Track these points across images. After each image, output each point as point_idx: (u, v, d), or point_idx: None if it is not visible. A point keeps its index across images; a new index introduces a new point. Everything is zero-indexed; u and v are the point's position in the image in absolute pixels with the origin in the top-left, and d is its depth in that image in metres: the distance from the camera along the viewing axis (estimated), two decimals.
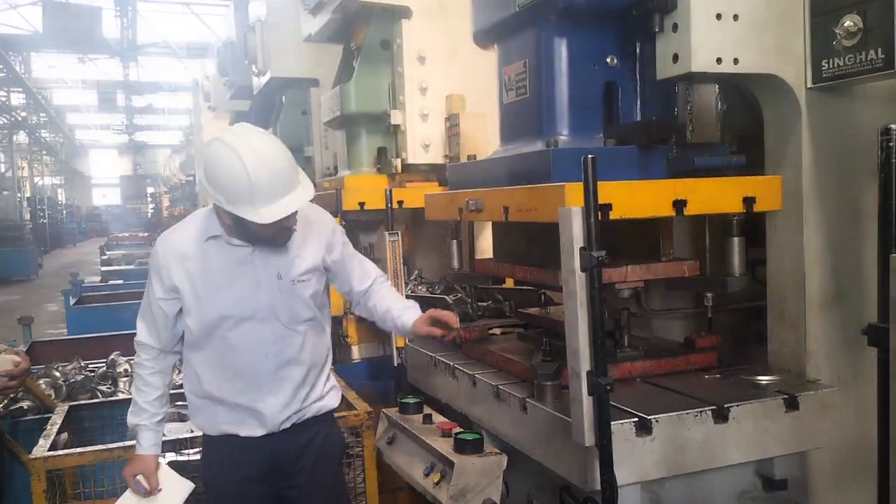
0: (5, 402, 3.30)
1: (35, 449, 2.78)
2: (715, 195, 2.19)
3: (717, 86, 2.23)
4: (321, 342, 2.47)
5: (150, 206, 35.39)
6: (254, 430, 2.37)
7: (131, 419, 2.45)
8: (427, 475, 2.39)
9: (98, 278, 11.56)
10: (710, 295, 2.42)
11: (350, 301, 2.64)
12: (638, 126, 2.36)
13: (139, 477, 2.40)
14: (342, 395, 2.73)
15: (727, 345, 2.57)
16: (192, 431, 2.96)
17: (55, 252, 27.71)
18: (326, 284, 2.51)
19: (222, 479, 2.43)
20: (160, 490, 2.42)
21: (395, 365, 3.24)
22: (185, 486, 2.46)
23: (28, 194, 28.44)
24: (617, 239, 2.20)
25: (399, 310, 2.51)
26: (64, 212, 35.22)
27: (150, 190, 38.02)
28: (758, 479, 2.24)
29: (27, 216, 25.15)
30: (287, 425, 2.39)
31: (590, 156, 1.79)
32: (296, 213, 2.24)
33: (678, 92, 2.22)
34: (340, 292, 2.63)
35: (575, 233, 1.81)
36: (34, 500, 2.70)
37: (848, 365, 2.29)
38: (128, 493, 2.43)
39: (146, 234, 24.33)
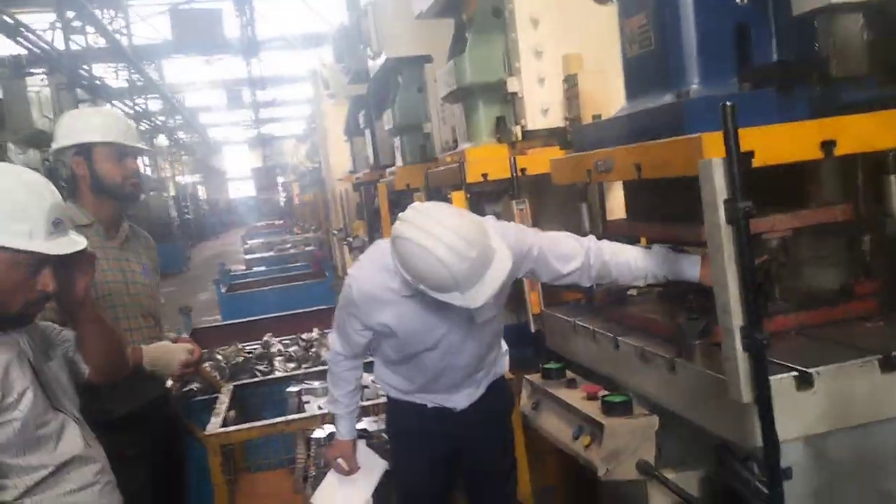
0: (178, 385, 3.58)
1: (209, 426, 3.03)
2: (867, 132, 2.03)
3: (862, 14, 2.07)
4: (499, 334, 2.67)
5: (282, 194, 36.99)
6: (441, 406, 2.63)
7: (328, 407, 2.76)
8: (576, 438, 2.40)
9: (243, 266, 12.26)
10: (866, 238, 2.27)
11: (571, 278, 2.49)
12: (775, 66, 2.23)
13: (340, 460, 2.71)
14: None
15: (888, 290, 2.41)
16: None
17: (200, 245, 29.61)
18: None
19: (405, 430, 2.70)
20: (358, 469, 2.72)
21: (534, 332, 3.25)
22: (381, 465, 2.75)
23: (173, 193, 30.45)
24: (760, 187, 2.10)
25: (661, 258, 2.38)
26: (205, 207, 37.49)
27: (280, 179, 39.72)
28: None
29: (174, 213, 26.98)
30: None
31: (728, 103, 1.71)
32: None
33: (818, 26, 2.08)
34: (557, 277, 2.51)
35: (718, 185, 1.75)
36: (212, 473, 2.94)
37: None
38: (330, 474, 2.76)
39: (281, 221, 25.54)
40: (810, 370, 1.91)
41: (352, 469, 2.71)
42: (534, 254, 2.44)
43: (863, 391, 1.93)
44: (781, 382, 1.89)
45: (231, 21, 18.29)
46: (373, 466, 2.74)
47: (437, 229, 2.10)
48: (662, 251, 2.41)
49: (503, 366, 2.75)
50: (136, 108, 21.29)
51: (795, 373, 1.91)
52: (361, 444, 2.78)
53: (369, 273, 2.43)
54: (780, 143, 2.00)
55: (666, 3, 2.31)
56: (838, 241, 2.55)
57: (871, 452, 2.07)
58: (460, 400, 2.62)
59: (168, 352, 2.71)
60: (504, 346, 2.75)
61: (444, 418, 2.63)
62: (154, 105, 25.37)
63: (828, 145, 2.01)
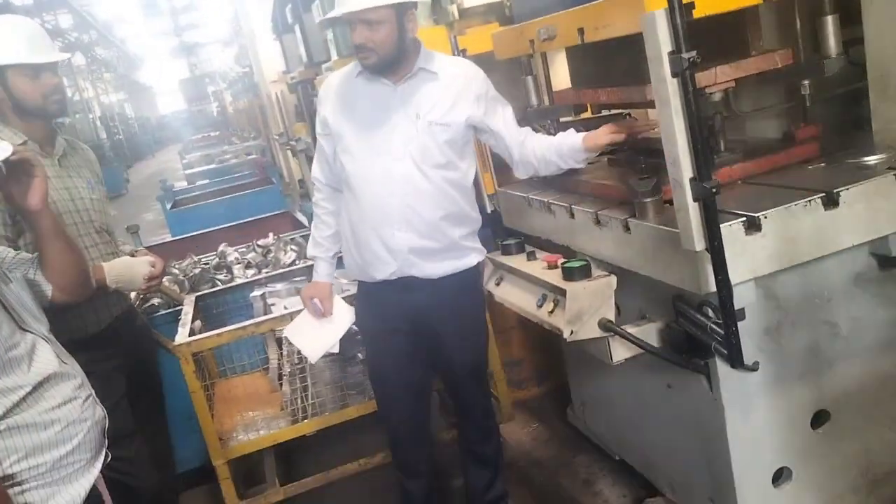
0: (138, 301, 3.56)
1: (177, 336, 3.04)
2: None
3: None
4: (457, 196, 2.57)
5: (215, 104, 35.76)
6: (387, 266, 2.56)
7: (310, 251, 2.84)
8: (540, 306, 2.48)
9: (185, 182, 11.97)
10: (806, 83, 2.31)
11: (510, 157, 2.66)
12: None
13: (315, 299, 2.79)
14: None
15: (827, 135, 2.48)
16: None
17: (136, 166, 28.70)
18: (470, 140, 2.60)
19: (367, 317, 2.75)
20: (332, 314, 2.81)
21: (490, 212, 3.28)
22: (351, 314, 2.83)
23: (98, 113, 29.18)
24: (700, 40, 2.11)
25: (561, 140, 2.54)
26: (136, 125, 36.09)
27: (210, 89, 38.26)
28: (872, 260, 2.22)
29: (103, 135, 25.94)
30: (418, 271, 2.56)
31: None
32: (366, 27, 2.37)
33: None
34: (498, 150, 2.69)
35: (661, 37, 1.75)
36: (188, 381, 2.98)
37: None
38: (304, 313, 2.85)
39: (217, 133, 24.78)
40: (757, 214, 1.99)
41: (326, 310, 2.80)
42: (499, 105, 2.59)
43: (808, 229, 2.03)
44: (731, 229, 1.97)
45: None
46: (344, 314, 2.83)
47: None
48: (563, 134, 2.55)
49: (471, 259, 2.65)
50: (46, 25, 20.01)
51: (744, 218, 1.99)
52: (337, 295, 2.87)
53: (341, 69, 2.65)
54: None
55: None
56: (779, 89, 2.60)
57: (817, 287, 2.20)
58: (403, 239, 2.50)
59: (130, 267, 2.67)
60: (478, 244, 2.68)
61: (402, 298, 2.60)
62: (65, 21, 23.86)
63: None
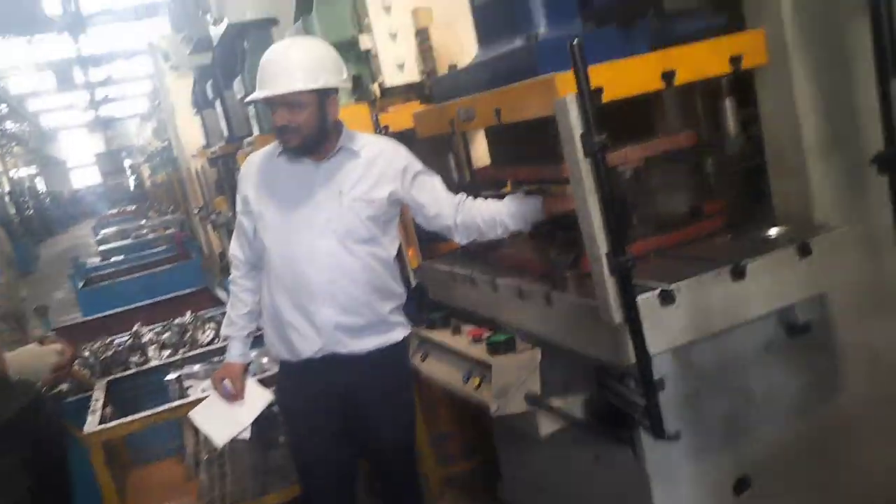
0: (44, 388, 3.37)
1: (87, 425, 2.89)
2: (702, 60, 2.19)
3: None
4: (381, 271, 2.57)
5: (132, 178, 35.02)
6: (312, 344, 2.52)
7: (224, 330, 2.75)
8: (466, 381, 2.48)
9: (98, 259, 11.57)
10: (709, 161, 2.45)
11: (442, 227, 2.63)
12: (614, 4, 2.33)
13: (226, 381, 2.68)
14: None
15: (732, 208, 2.61)
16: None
17: (48, 241, 27.60)
18: (393, 217, 2.62)
19: (289, 397, 2.67)
20: (243, 396, 2.70)
21: (413, 285, 3.29)
22: (265, 397, 2.73)
23: (7, 188, 28.11)
24: (610, 123, 2.21)
25: (510, 203, 2.52)
26: (47, 200, 34.88)
27: (127, 162, 37.50)
28: (781, 328, 2.32)
29: (12, 210, 24.95)
30: (343, 348, 2.53)
31: (576, 40, 1.79)
32: (287, 110, 2.40)
33: None
34: (428, 220, 2.64)
35: (573, 121, 1.82)
36: (97, 472, 2.82)
37: (852, 205, 2.33)
38: (213, 396, 2.73)
39: (133, 207, 24.18)
40: (671, 286, 2.06)
41: (237, 393, 2.68)
42: (426, 177, 2.61)
43: (719, 300, 2.11)
44: (647, 301, 2.03)
45: None
46: (257, 397, 2.73)
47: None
48: (513, 197, 2.57)
49: (396, 334, 2.65)
50: None
51: (658, 290, 2.06)
52: (250, 376, 2.78)
53: (263, 149, 2.66)
54: (625, 76, 2.11)
55: None
56: (685, 167, 2.74)
57: (731, 356, 2.28)
58: (328, 315, 2.49)
59: (36, 357, 2.54)
60: (402, 319, 2.68)
61: (327, 375, 2.56)
62: None
63: (668, 76, 2.14)
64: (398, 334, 2.65)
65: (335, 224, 2.49)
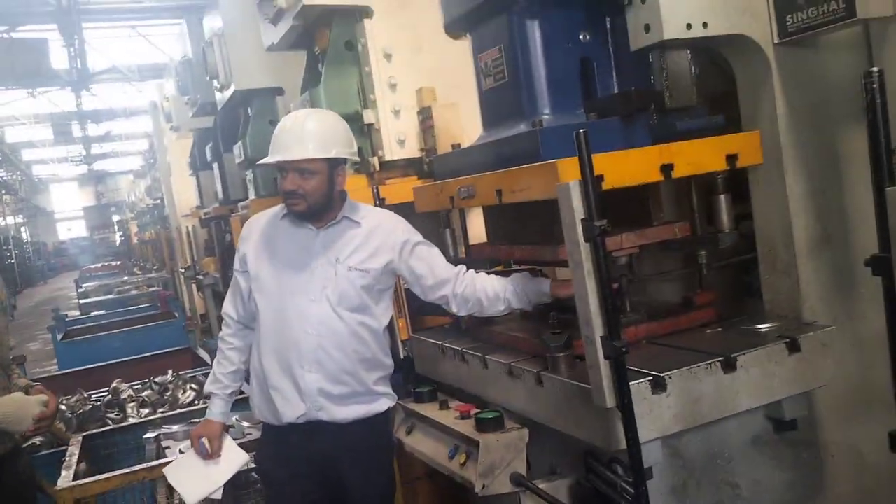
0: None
1: (60, 480, 2.82)
2: (699, 156, 2.27)
3: (689, 51, 2.31)
4: (370, 340, 2.59)
5: (119, 234, 34.92)
6: (295, 409, 2.51)
7: (207, 387, 2.73)
8: (452, 458, 2.45)
9: (77, 312, 11.44)
10: (702, 253, 2.50)
11: (440, 297, 2.65)
12: (617, 97, 2.43)
13: (203, 439, 2.66)
14: None
15: (723, 300, 2.66)
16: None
17: (27, 292, 27.28)
18: (388, 288, 2.65)
19: (269, 461, 2.65)
20: (220, 456, 2.68)
21: (402, 357, 3.28)
22: (241, 458, 2.71)
23: None
24: (608, 209, 2.27)
25: (517, 281, 2.55)
26: (30, 250, 34.63)
27: (115, 218, 37.49)
28: (769, 423, 2.33)
29: None
30: (326, 415, 2.52)
31: (583, 130, 1.86)
32: (298, 176, 2.47)
33: (652, 61, 2.29)
34: (426, 290, 2.66)
35: (575, 205, 1.88)
36: None
37: (841, 305, 2.39)
38: (190, 453, 2.70)
39: (118, 262, 24.04)
40: (663, 374, 2.07)
41: (213, 451, 2.65)
42: (424, 248, 2.64)
43: (709, 391, 2.12)
44: (638, 387, 2.03)
45: (58, 51, 17.17)
46: (234, 458, 2.70)
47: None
48: (519, 276, 2.61)
49: (381, 405, 2.66)
50: None
51: (650, 377, 2.07)
52: (229, 437, 2.75)
53: (269, 209, 2.71)
54: (626, 167, 2.18)
55: (517, 38, 2.46)
56: (678, 256, 2.80)
57: (719, 448, 2.28)
58: (313, 381, 2.49)
59: (21, 407, 2.49)
60: (388, 389, 2.70)
61: (308, 441, 2.55)
62: None
63: (667, 168, 2.21)
64: (383, 405, 2.65)
65: (329, 291, 2.52)
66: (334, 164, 2.52)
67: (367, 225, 2.61)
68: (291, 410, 2.53)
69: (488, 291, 2.56)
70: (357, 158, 2.72)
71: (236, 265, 2.68)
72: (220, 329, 2.76)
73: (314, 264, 2.54)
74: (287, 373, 2.52)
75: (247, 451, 2.73)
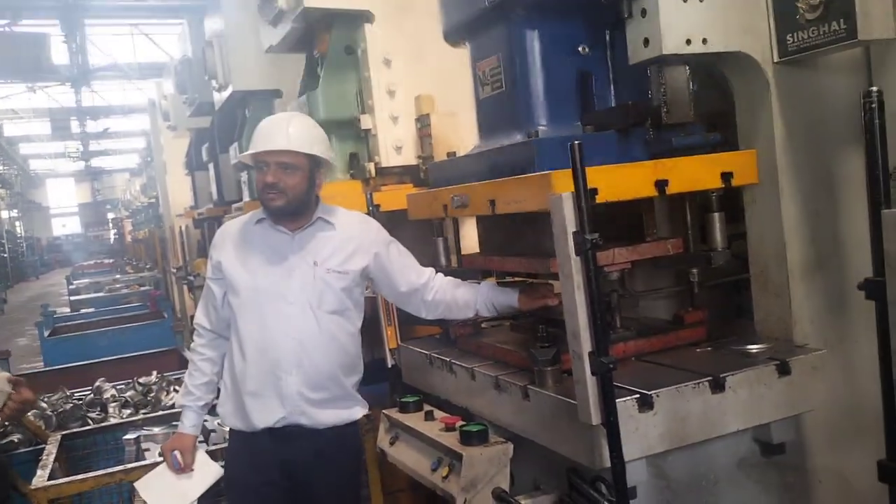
0: None
1: (35, 479, 2.77)
2: (694, 173, 2.24)
3: (688, 67, 2.29)
4: (348, 344, 2.60)
5: (113, 232, 34.82)
6: (273, 413, 2.49)
7: (179, 399, 2.71)
8: (435, 470, 2.41)
9: (67, 309, 11.37)
10: (695, 271, 2.48)
11: (409, 301, 2.71)
12: (614, 111, 2.41)
13: (176, 452, 2.62)
14: None
15: (713, 319, 2.63)
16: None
17: (17, 286, 27.14)
18: (361, 292, 2.65)
19: (237, 468, 2.61)
20: (192, 469, 2.64)
21: (390, 366, 3.25)
22: (215, 471, 2.67)
23: None
24: (601, 223, 2.25)
25: (487, 290, 2.62)
26: (24, 244, 34.50)
27: (110, 216, 37.40)
28: (756, 446, 2.29)
29: None
30: (307, 419, 2.51)
31: (577, 142, 1.83)
32: (280, 169, 2.45)
33: (651, 75, 2.27)
34: (398, 295, 2.72)
35: (567, 218, 1.85)
36: None
37: (833, 329, 2.36)
38: (162, 467, 2.65)
39: (111, 260, 23.94)
40: (650, 393, 2.04)
41: (185, 465, 2.62)
42: (396, 252, 2.67)
43: (696, 411, 2.09)
44: (625, 405, 2.00)
45: (59, 46, 17.12)
46: (207, 471, 2.66)
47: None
48: (488, 285, 2.67)
49: (355, 412, 2.66)
50: None
51: (637, 395, 2.04)
52: (201, 448, 2.72)
53: (239, 217, 2.70)
54: (620, 181, 2.15)
55: (516, 48, 2.44)
56: (670, 273, 2.78)
57: (704, 469, 2.24)
58: (293, 384, 2.49)
59: None
60: (360, 397, 2.70)
61: (278, 448, 2.53)
62: None
63: (661, 184, 2.19)
64: (357, 412, 2.67)
65: (308, 293, 2.52)
66: (316, 164, 2.53)
67: (343, 227, 2.62)
68: (269, 416, 2.52)
69: (458, 300, 2.63)
70: (334, 165, 2.75)
71: (209, 273, 2.65)
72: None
73: (291, 267, 2.54)
74: (266, 377, 2.50)
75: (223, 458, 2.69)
